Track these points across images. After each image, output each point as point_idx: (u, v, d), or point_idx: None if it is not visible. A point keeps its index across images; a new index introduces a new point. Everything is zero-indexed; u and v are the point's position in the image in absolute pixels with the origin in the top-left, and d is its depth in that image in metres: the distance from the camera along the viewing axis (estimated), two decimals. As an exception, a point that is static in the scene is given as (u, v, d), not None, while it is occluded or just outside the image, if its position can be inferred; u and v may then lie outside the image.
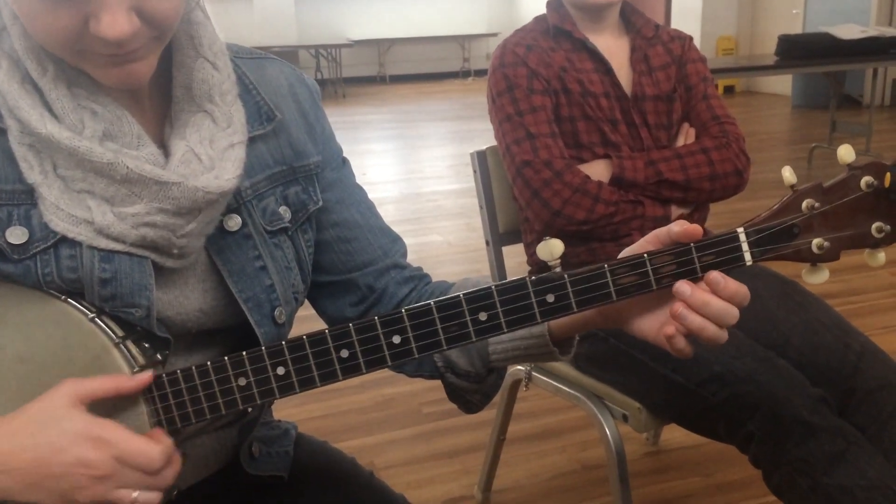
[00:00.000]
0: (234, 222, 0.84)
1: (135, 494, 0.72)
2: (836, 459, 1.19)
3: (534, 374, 1.65)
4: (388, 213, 4.59)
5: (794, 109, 8.22)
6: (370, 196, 1.01)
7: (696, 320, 0.75)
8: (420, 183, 5.60)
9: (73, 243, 0.75)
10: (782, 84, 8.81)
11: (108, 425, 0.72)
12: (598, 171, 1.50)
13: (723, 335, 0.76)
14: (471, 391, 0.95)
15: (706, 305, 0.74)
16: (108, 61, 0.72)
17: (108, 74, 0.73)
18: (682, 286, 0.75)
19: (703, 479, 2.01)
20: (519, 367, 1.69)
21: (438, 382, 0.97)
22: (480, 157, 1.69)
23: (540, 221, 1.48)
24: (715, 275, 0.75)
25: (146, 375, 0.75)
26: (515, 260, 1.69)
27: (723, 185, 1.53)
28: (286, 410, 2.37)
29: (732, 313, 0.75)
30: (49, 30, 0.69)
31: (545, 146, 1.47)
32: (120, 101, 0.77)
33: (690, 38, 1.62)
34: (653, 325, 0.80)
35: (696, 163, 1.51)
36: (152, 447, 0.72)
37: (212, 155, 0.79)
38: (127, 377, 0.75)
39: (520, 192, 1.51)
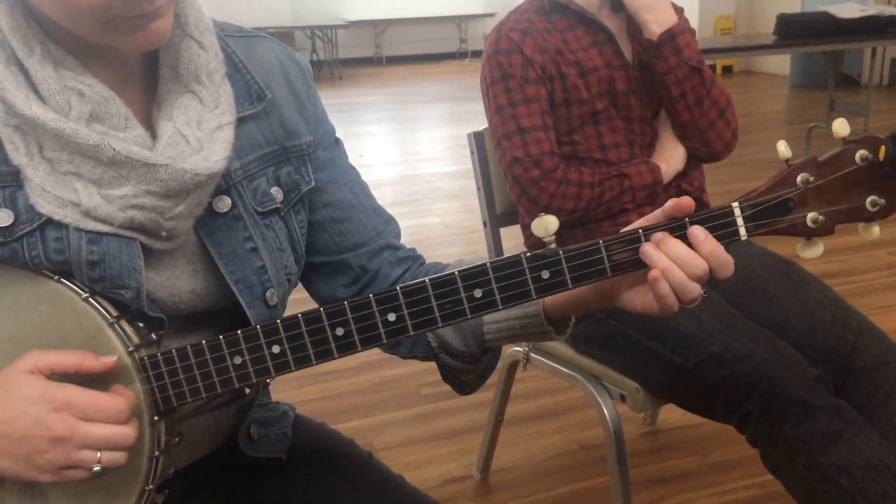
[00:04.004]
0: (224, 203, 0.83)
1: (98, 455, 0.72)
2: (833, 438, 1.19)
3: (532, 354, 1.65)
4: (385, 195, 4.59)
5: (792, 89, 8.19)
6: (367, 178, 1.00)
7: (661, 260, 0.74)
8: (417, 165, 5.59)
9: (60, 225, 0.75)
10: (780, 64, 8.77)
11: (67, 387, 0.72)
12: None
13: (692, 287, 0.75)
14: (465, 372, 0.94)
15: (668, 247, 0.74)
16: (134, 24, 0.71)
17: (134, 39, 0.72)
18: (658, 233, 0.75)
19: (700, 459, 2.02)
20: (517, 348, 1.69)
21: (435, 364, 0.96)
22: (478, 138, 1.68)
23: (531, 216, 1.48)
24: (695, 229, 0.75)
25: (111, 359, 0.74)
26: (513, 241, 1.68)
27: (722, 134, 1.56)
28: (284, 393, 2.38)
29: (699, 264, 0.74)
30: (82, 4, 0.68)
31: (536, 141, 1.47)
32: (107, 83, 0.76)
33: (682, 10, 1.61)
34: (640, 293, 0.79)
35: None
36: (117, 399, 0.72)
37: (199, 136, 0.78)
38: (92, 357, 0.74)
39: (510, 188, 1.52)
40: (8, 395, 0.71)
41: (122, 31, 0.71)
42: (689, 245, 0.75)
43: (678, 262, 0.74)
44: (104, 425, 0.72)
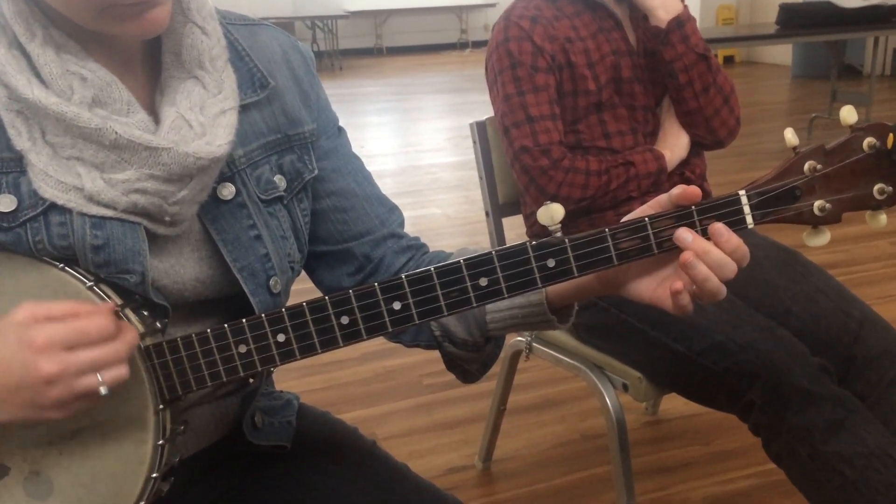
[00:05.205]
0: (228, 191, 0.83)
1: (99, 377, 0.71)
2: (836, 428, 1.19)
3: (534, 344, 1.65)
4: (387, 186, 4.56)
5: (794, 79, 8.17)
6: (368, 169, 1.00)
7: (703, 270, 0.74)
8: (418, 155, 5.58)
9: (64, 210, 0.75)
10: (782, 54, 8.75)
11: (44, 325, 0.70)
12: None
13: (723, 290, 0.75)
14: (468, 360, 0.94)
15: (707, 253, 0.74)
16: (131, 12, 0.71)
17: (129, 27, 0.72)
18: (684, 233, 0.74)
19: (702, 448, 2.03)
20: (520, 338, 1.69)
21: (438, 353, 0.96)
22: (480, 128, 1.68)
23: (538, 205, 1.48)
24: (719, 226, 0.74)
25: (108, 305, 0.74)
26: (515, 232, 1.68)
27: (726, 121, 1.56)
28: (287, 383, 2.38)
29: (731, 266, 0.75)
30: None
31: (545, 130, 1.46)
32: (110, 68, 0.76)
33: None
34: (649, 285, 0.80)
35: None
36: (95, 317, 0.71)
37: (203, 121, 0.78)
38: (89, 305, 0.73)
39: (518, 177, 1.52)
40: None
41: (119, 19, 0.71)
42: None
43: (712, 265, 0.74)
44: (93, 348, 0.70)
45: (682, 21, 1.48)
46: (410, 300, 0.76)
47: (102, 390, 0.71)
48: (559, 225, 0.75)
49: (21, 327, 0.70)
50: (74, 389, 0.70)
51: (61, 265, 0.76)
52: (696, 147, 1.58)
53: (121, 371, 0.72)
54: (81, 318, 0.71)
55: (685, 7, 1.53)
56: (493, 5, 11.69)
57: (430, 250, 1.01)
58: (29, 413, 0.71)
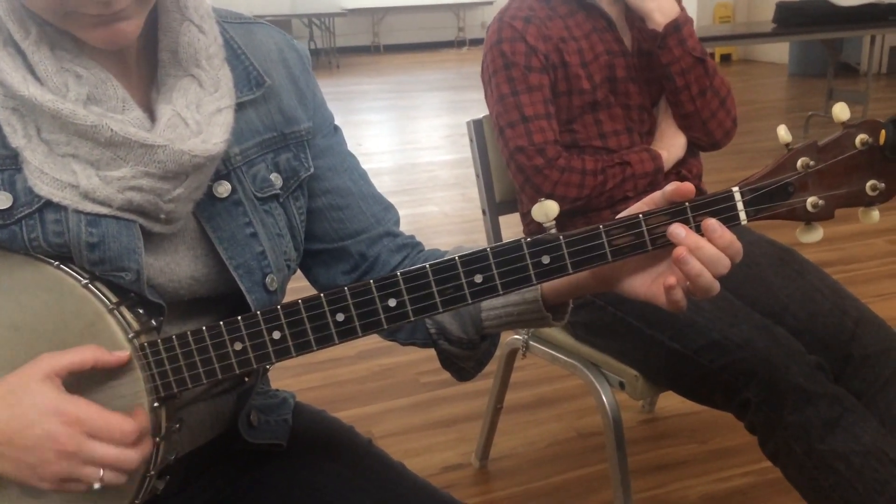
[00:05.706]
0: (224, 189, 0.83)
1: (101, 473, 0.72)
2: (832, 425, 1.19)
3: (531, 342, 1.65)
4: (384, 184, 4.58)
5: (790, 78, 8.18)
6: (366, 167, 1.00)
7: (695, 265, 0.74)
8: (416, 153, 5.58)
9: (59, 207, 0.75)
10: (779, 52, 8.76)
11: (79, 402, 0.72)
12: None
13: (716, 285, 0.76)
14: (464, 358, 0.95)
15: (699, 249, 0.74)
16: (94, 21, 0.71)
17: (94, 35, 0.72)
18: (677, 228, 0.75)
19: (698, 446, 2.03)
20: (516, 336, 1.69)
21: (434, 352, 0.96)
22: (477, 126, 1.68)
23: (534, 204, 1.49)
24: (712, 221, 0.74)
25: (124, 353, 0.75)
26: (512, 230, 1.68)
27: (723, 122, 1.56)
28: (283, 381, 2.38)
29: (724, 262, 0.75)
30: None
31: (539, 129, 1.47)
32: (105, 65, 0.76)
33: None
34: (644, 281, 0.80)
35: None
36: (126, 421, 0.73)
37: (199, 119, 0.78)
38: (106, 352, 0.74)
39: (514, 176, 1.52)
40: (20, 401, 0.72)
41: (84, 27, 0.71)
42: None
43: (705, 261, 0.74)
44: (109, 446, 0.72)
45: (679, 24, 1.48)
46: (406, 297, 0.76)
47: (96, 485, 0.73)
48: (554, 222, 0.75)
49: (56, 393, 0.72)
50: (75, 472, 0.72)
51: (56, 263, 0.76)
52: (693, 147, 1.59)
53: (120, 478, 0.74)
54: (114, 416, 0.73)
55: (682, 10, 1.53)
56: (490, 3, 11.68)
57: (426, 248, 1.01)
58: (24, 474, 0.73)
